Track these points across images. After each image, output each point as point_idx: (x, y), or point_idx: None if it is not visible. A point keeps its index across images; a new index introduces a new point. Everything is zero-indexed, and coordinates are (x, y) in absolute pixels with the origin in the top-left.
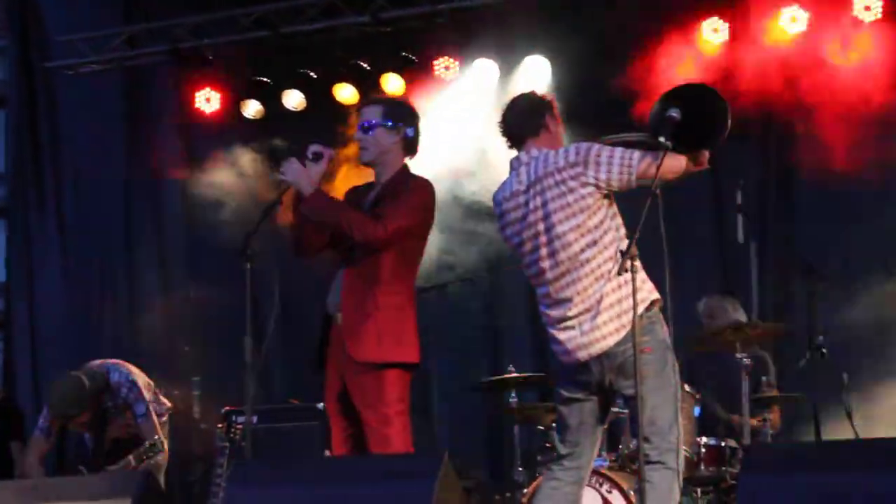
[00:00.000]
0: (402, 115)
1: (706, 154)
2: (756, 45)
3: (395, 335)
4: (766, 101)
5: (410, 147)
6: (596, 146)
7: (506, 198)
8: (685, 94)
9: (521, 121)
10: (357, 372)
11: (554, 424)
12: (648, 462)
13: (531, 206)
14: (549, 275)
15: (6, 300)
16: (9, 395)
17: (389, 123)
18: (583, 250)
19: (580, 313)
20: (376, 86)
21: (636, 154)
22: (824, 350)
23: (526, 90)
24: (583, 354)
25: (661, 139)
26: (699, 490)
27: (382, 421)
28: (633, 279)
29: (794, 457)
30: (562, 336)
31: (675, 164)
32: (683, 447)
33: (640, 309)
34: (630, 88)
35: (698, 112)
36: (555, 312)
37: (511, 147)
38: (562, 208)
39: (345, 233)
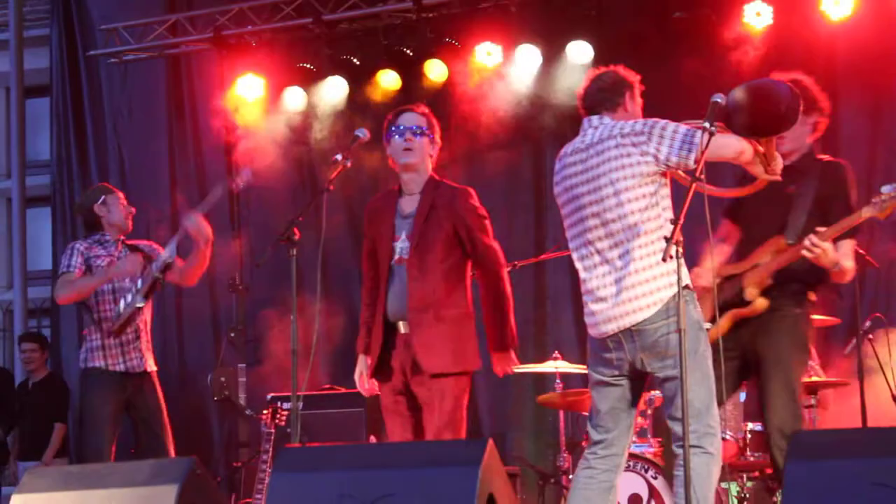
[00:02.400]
0: (436, 128)
1: (773, 157)
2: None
3: (461, 346)
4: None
5: (433, 158)
6: (663, 122)
7: (566, 154)
8: (757, 86)
9: (602, 95)
10: (424, 379)
11: None
12: (682, 447)
13: (589, 164)
14: (592, 235)
15: (53, 286)
16: (55, 372)
17: (431, 136)
18: (629, 215)
19: (614, 282)
20: (419, 72)
21: (698, 134)
22: (870, 336)
23: (611, 68)
24: (611, 327)
25: (706, 124)
26: (745, 476)
27: (444, 424)
28: (679, 266)
29: (841, 443)
30: (594, 307)
31: (726, 149)
32: (729, 432)
33: (671, 289)
34: (672, 74)
35: (760, 101)
36: (591, 280)
37: (586, 115)
38: (617, 169)
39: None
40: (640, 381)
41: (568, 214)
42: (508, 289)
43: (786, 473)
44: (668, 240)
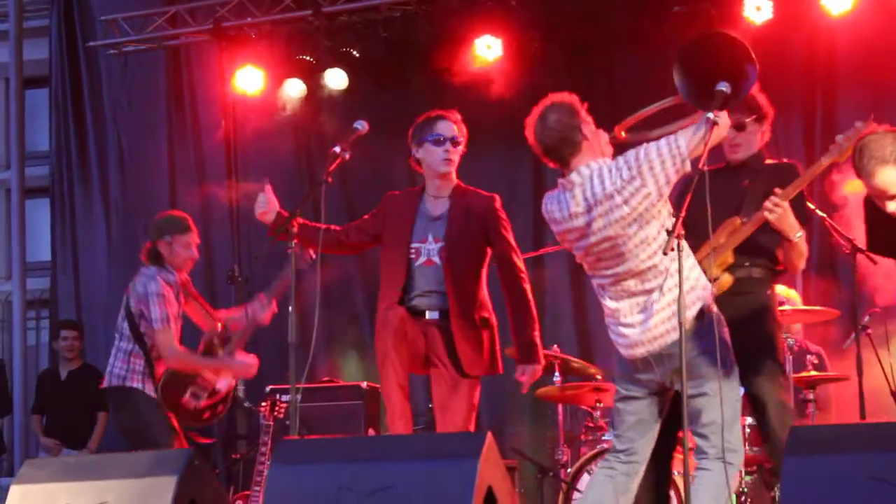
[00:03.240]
0: (465, 133)
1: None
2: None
3: (494, 350)
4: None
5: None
6: (642, 150)
7: (564, 218)
8: (697, 53)
9: (558, 144)
10: (451, 378)
11: (597, 404)
12: (706, 458)
13: (594, 227)
14: (613, 279)
15: (51, 277)
16: (89, 363)
17: (462, 143)
18: (650, 257)
19: (643, 310)
20: (419, 65)
21: (680, 139)
22: (869, 330)
23: (548, 102)
24: (641, 351)
25: (710, 115)
26: (742, 470)
27: (456, 421)
28: (680, 258)
29: (839, 438)
30: (624, 331)
31: (721, 133)
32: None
33: (695, 309)
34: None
35: (718, 67)
36: (619, 308)
37: (553, 165)
38: (628, 225)
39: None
40: (665, 395)
41: (582, 259)
42: (532, 299)
43: (784, 468)
44: (669, 233)
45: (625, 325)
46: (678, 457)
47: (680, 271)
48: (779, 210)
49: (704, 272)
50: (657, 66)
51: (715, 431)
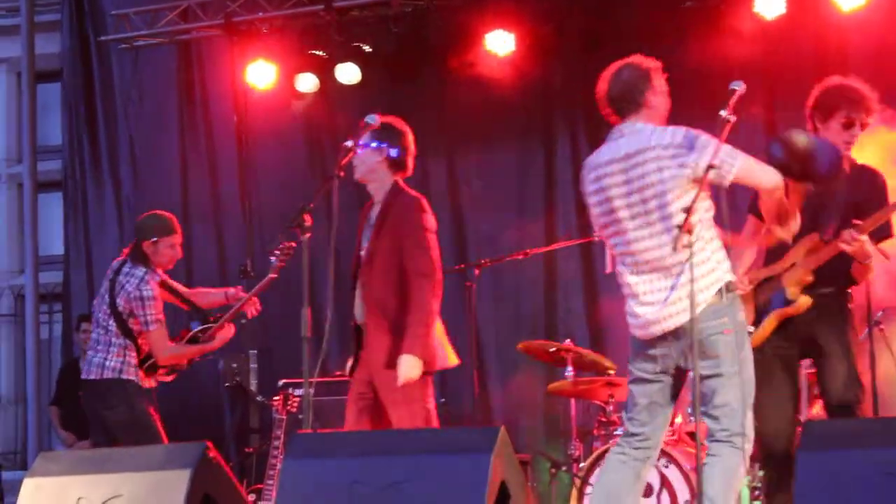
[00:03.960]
0: (387, 136)
1: (792, 214)
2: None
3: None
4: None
5: (397, 165)
6: (704, 135)
7: (600, 164)
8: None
9: (622, 98)
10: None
11: (610, 398)
12: (716, 441)
13: (628, 176)
14: (636, 246)
15: (64, 272)
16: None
17: (374, 144)
18: (671, 229)
19: (659, 289)
20: (430, 60)
21: (741, 155)
22: (882, 326)
23: (631, 59)
24: (656, 329)
25: (723, 113)
26: (756, 465)
27: (407, 418)
28: (690, 255)
29: (853, 433)
30: (639, 310)
31: (764, 175)
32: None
33: (714, 289)
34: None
35: (811, 152)
36: (639, 284)
37: (612, 118)
38: (660, 183)
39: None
40: (680, 378)
41: (608, 223)
42: (431, 301)
43: (798, 463)
44: (679, 228)
45: (643, 304)
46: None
47: (691, 267)
48: (856, 244)
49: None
50: (669, 61)
51: (727, 414)
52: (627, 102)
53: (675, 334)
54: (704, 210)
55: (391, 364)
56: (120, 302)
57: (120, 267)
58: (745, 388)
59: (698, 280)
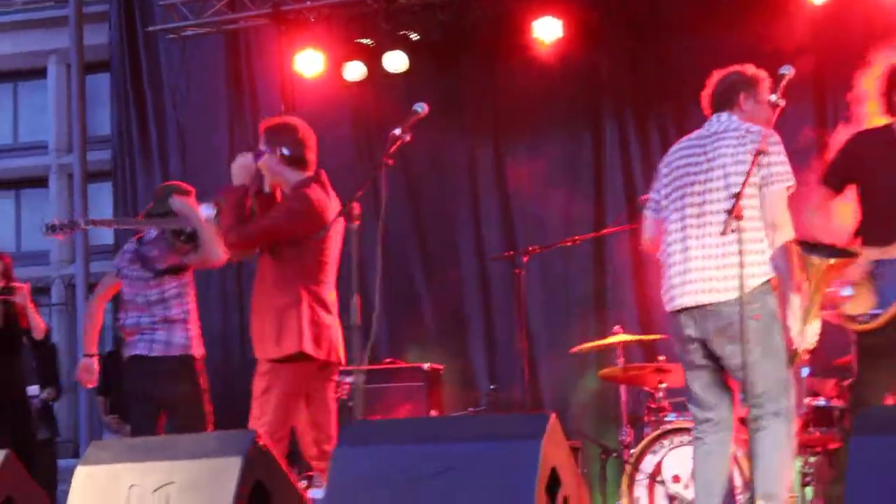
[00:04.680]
0: (275, 138)
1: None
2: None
3: (274, 335)
4: None
5: (294, 162)
6: (780, 146)
7: (686, 140)
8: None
9: (720, 97)
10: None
11: (660, 385)
12: (760, 420)
13: (708, 149)
14: (693, 220)
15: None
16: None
17: (267, 149)
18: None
19: (705, 266)
20: (477, 47)
21: (791, 183)
22: None
23: (743, 65)
24: (688, 300)
25: (773, 98)
26: (808, 451)
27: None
28: (740, 241)
29: None
30: (675, 280)
31: (780, 205)
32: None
33: (757, 281)
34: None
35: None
36: (685, 258)
37: (707, 109)
38: (732, 157)
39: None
40: (719, 362)
41: (670, 194)
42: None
43: (851, 449)
44: (728, 213)
45: (682, 273)
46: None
47: (741, 254)
48: None
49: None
50: (715, 49)
51: (769, 399)
52: (724, 101)
53: (702, 312)
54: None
55: (262, 355)
56: (159, 266)
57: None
58: (782, 372)
59: (739, 266)
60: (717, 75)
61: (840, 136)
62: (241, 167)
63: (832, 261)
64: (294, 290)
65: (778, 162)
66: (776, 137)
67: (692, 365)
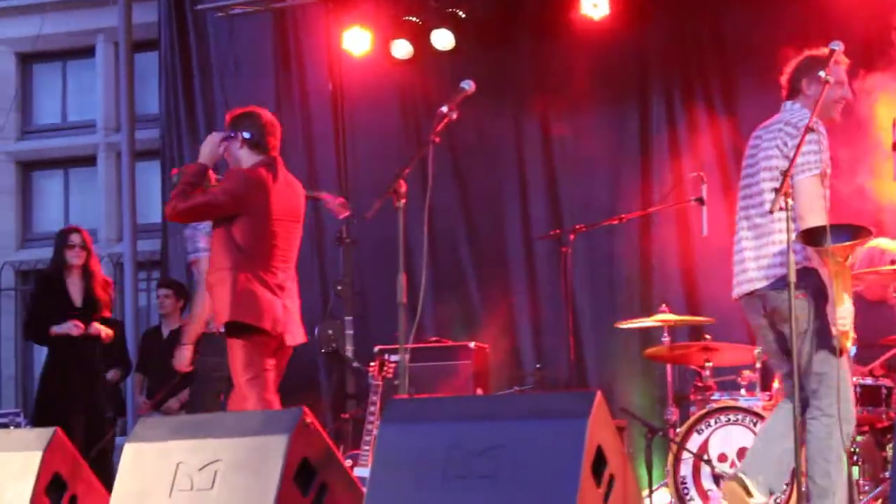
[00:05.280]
0: (237, 123)
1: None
2: None
3: (215, 308)
4: None
5: (255, 146)
6: (815, 139)
7: (761, 126)
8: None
9: (787, 83)
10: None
11: (706, 363)
12: (805, 407)
13: (761, 138)
14: (746, 210)
15: (162, 239)
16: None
17: (231, 135)
18: (767, 193)
19: (752, 248)
20: (525, 25)
21: (817, 172)
22: None
23: (806, 54)
24: (745, 289)
25: (822, 74)
26: (854, 430)
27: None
28: (787, 218)
29: None
30: (735, 268)
31: (804, 197)
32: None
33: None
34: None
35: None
36: (741, 244)
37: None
38: (769, 149)
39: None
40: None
41: (743, 185)
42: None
43: None
44: (777, 191)
45: (736, 262)
46: None
47: (788, 231)
48: None
49: None
50: (763, 25)
51: (814, 381)
52: (791, 90)
53: (757, 298)
54: None
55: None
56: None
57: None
58: (826, 350)
59: (784, 254)
60: (790, 62)
61: None
62: (208, 146)
63: (842, 244)
64: (229, 267)
65: (807, 151)
66: (808, 125)
67: (771, 352)
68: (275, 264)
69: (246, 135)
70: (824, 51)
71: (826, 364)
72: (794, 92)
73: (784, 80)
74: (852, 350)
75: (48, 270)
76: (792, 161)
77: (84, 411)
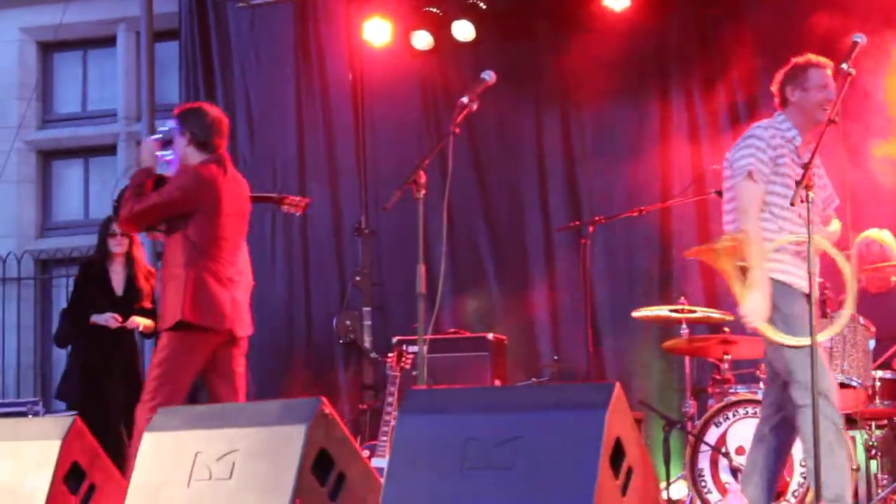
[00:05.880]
0: (185, 121)
1: None
2: None
3: (166, 306)
4: None
5: (201, 145)
6: (750, 139)
7: None
8: None
9: (778, 90)
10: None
11: (724, 356)
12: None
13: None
14: None
15: None
16: None
17: (178, 131)
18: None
19: None
20: (545, 17)
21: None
22: None
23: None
24: None
25: (844, 66)
26: (873, 423)
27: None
28: (808, 209)
29: None
30: None
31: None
32: (857, 379)
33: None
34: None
35: None
36: None
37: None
38: (727, 166)
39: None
40: None
41: None
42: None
43: None
44: (798, 183)
45: None
46: None
47: (808, 223)
48: None
49: None
50: (784, 15)
51: (792, 380)
52: (780, 97)
53: None
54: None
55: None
56: None
57: None
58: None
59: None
60: (778, 73)
61: None
62: (145, 150)
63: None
64: (183, 264)
65: (739, 157)
66: (749, 133)
67: None
68: (226, 257)
69: (195, 132)
70: (803, 59)
71: (780, 358)
72: (783, 101)
73: (774, 89)
74: (871, 343)
75: (91, 258)
76: (812, 156)
77: (123, 394)
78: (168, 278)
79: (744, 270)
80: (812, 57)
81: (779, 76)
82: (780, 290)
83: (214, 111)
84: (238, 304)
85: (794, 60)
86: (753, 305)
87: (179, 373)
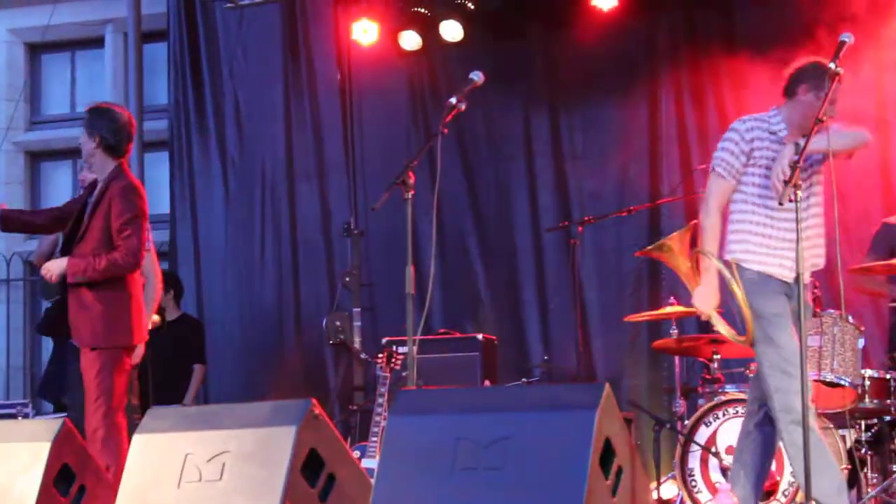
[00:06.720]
0: (97, 123)
1: None
2: None
3: (91, 326)
4: None
5: (111, 150)
6: (730, 133)
7: None
8: None
9: (788, 79)
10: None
11: (714, 356)
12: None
13: None
14: None
15: (170, 230)
16: (186, 314)
17: (87, 131)
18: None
19: None
20: (533, 17)
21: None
22: None
23: (811, 59)
24: None
25: (832, 65)
26: (863, 422)
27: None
28: (797, 209)
29: None
30: None
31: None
32: (847, 378)
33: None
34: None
35: None
36: None
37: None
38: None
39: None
40: None
41: None
42: (106, 265)
43: None
44: (786, 183)
45: None
46: None
47: (797, 222)
48: None
49: None
50: (773, 15)
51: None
52: (787, 88)
53: None
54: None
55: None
56: None
57: None
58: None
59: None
60: (797, 61)
61: None
62: (57, 269)
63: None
64: (116, 280)
65: (715, 153)
66: (729, 128)
67: None
68: (143, 264)
69: (106, 137)
70: (837, 70)
71: (760, 367)
72: (789, 93)
73: (785, 75)
74: (860, 342)
75: None
76: (801, 153)
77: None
78: (93, 298)
79: (699, 261)
80: (838, 69)
81: (798, 67)
82: (755, 286)
83: (126, 114)
84: (144, 313)
85: (819, 61)
86: (702, 296)
87: (111, 383)
